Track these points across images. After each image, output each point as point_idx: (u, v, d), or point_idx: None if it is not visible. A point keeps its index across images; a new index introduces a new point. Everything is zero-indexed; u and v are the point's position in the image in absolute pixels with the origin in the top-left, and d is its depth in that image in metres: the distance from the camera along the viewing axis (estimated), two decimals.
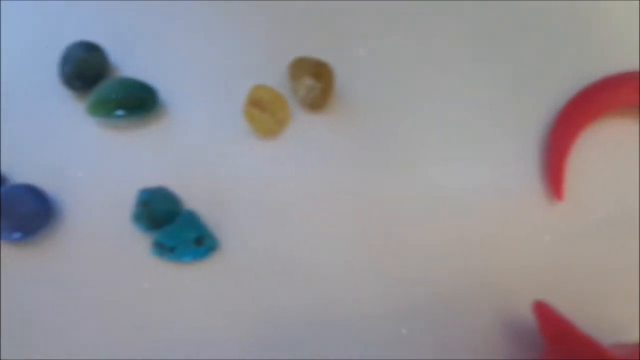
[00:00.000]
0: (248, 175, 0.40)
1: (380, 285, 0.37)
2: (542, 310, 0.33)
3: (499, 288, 0.37)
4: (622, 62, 0.42)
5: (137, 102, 0.40)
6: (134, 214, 0.37)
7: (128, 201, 0.39)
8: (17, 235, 0.37)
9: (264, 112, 0.39)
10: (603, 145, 0.40)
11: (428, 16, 0.44)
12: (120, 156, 0.40)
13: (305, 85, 0.39)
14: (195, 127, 0.41)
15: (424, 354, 0.36)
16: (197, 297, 0.37)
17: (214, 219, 0.39)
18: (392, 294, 0.37)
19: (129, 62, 0.43)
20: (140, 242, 0.38)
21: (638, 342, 0.35)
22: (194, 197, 0.39)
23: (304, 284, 0.37)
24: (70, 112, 0.41)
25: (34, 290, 0.37)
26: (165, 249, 0.37)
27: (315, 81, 0.39)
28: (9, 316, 0.37)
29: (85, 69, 0.40)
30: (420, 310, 0.37)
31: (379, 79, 0.42)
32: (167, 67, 0.42)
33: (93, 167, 0.40)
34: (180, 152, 0.40)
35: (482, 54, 0.43)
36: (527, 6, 0.44)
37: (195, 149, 0.41)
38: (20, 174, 0.40)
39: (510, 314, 0.36)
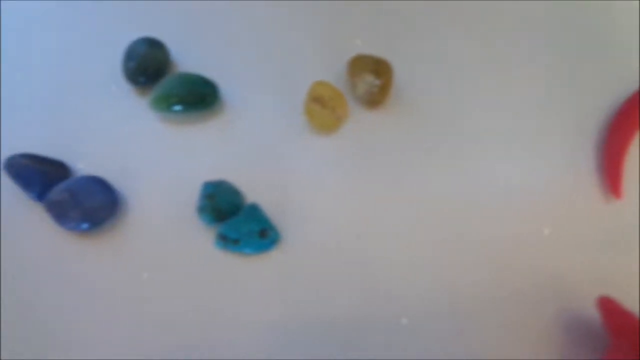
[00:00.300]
0: (307, 170, 0.41)
1: (439, 280, 0.38)
2: (607, 306, 0.33)
3: (560, 285, 0.37)
4: None
5: (200, 97, 0.41)
6: (198, 207, 0.38)
7: (190, 194, 0.40)
8: (85, 226, 0.38)
9: (324, 109, 0.40)
10: None
11: (487, 15, 0.44)
12: (182, 150, 0.41)
13: (365, 82, 0.40)
14: (255, 122, 0.42)
15: (486, 350, 0.36)
16: (259, 288, 0.38)
17: (274, 212, 0.39)
18: (451, 288, 0.38)
19: (189, 58, 0.43)
20: (202, 234, 0.39)
21: None
22: (254, 190, 0.40)
23: (363, 276, 0.38)
24: (133, 106, 0.42)
25: (100, 280, 0.38)
26: (230, 241, 0.38)
27: (375, 78, 0.40)
28: (76, 305, 0.37)
29: (148, 65, 0.41)
30: (481, 306, 0.37)
31: (436, 76, 0.43)
32: (227, 62, 0.43)
33: (156, 160, 0.41)
34: (241, 147, 0.41)
35: (540, 53, 0.43)
36: (585, 6, 0.45)
37: (255, 144, 0.41)
38: (85, 166, 0.41)
39: (572, 312, 0.37)
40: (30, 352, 0.36)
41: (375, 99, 0.41)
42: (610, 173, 0.39)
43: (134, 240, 0.39)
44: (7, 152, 0.40)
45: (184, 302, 0.38)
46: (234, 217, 0.38)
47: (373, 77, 0.40)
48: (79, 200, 0.38)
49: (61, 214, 0.38)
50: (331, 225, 0.39)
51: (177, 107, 0.41)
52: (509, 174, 0.40)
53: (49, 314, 0.37)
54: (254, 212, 0.38)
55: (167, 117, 0.42)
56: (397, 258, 0.38)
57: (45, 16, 0.45)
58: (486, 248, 0.38)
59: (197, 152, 0.41)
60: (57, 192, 0.38)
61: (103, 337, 0.37)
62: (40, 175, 0.39)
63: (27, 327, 0.37)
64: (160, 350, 0.36)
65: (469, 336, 0.36)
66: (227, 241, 0.38)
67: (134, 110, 0.42)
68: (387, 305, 0.37)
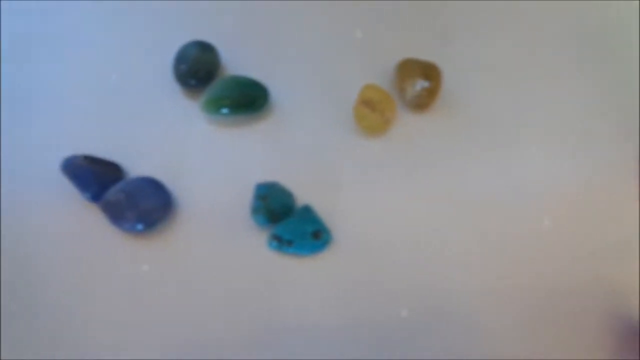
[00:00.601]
0: (356, 172, 0.41)
1: (488, 278, 0.38)
2: None
3: (606, 287, 0.38)
4: None
5: (250, 100, 0.42)
6: (252, 208, 0.39)
7: (241, 195, 0.40)
8: (139, 226, 0.38)
9: (374, 112, 0.41)
10: None
11: (533, 19, 0.45)
12: (232, 152, 0.42)
13: (415, 86, 0.41)
14: (303, 124, 0.42)
15: (533, 347, 0.37)
16: (311, 288, 0.38)
17: (324, 213, 0.40)
18: (499, 286, 0.38)
19: (238, 61, 0.44)
20: (254, 235, 0.39)
21: None
22: (304, 192, 0.41)
23: (413, 274, 0.38)
24: (184, 109, 0.43)
25: (154, 281, 0.39)
26: (284, 242, 0.38)
27: (426, 81, 0.40)
28: (129, 305, 0.38)
29: (200, 68, 0.42)
30: (529, 302, 0.38)
31: (483, 81, 0.43)
32: (274, 65, 0.44)
33: (206, 162, 0.41)
34: (290, 149, 0.42)
35: (585, 56, 0.44)
36: (632, 10, 0.45)
37: (304, 146, 0.42)
38: (138, 168, 0.41)
39: (620, 314, 0.37)
40: (87, 351, 0.37)
41: (423, 102, 0.41)
42: None
43: (186, 241, 0.40)
44: (61, 154, 0.40)
45: (237, 302, 0.38)
46: (287, 218, 0.39)
47: (423, 81, 0.40)
48: (135, 201, 0.38)
49: (117, 214, 0.38)
50: (380, 225, 0.40)
51: (228, 110, 0.41)
52: (554, 176, 0.41)
53: (104, 314, 0.38)
54: (308, 214, 0.39)
55: (218, 119, 0.42)
56: (448, 256, 0.39)
57: (100, 20, 0.46)
58: (534, 247, 0.39)
59: (247, 154, 0.42)
60: (113, 193, 0.39)
61: (156, 337, 0.37)
62: (96, 176, 0.39)
63: (83, 326, 0.37)
64: (212, 349, 0.37)
65: (517, 334, 0.37)
66: (281, 242, 0.38)
67: (185, 112, 0.43)
68: (439, 299, 0.38)
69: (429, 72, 0.41)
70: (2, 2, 0.45)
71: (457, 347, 0.37)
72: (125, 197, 0.38)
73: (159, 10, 0.46)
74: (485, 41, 0.45)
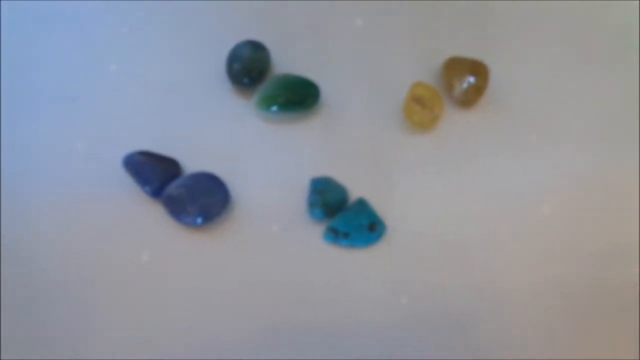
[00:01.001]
0: (405, 167, 0.42)
1: (542, 269, 0.39)
2: None
3: None
4: None
5: (302, 97, 0.43)
6: (310, 202, 0.40)
7: (293, 190, 0.41)
8: (199, 220, 0.40)
9: (424, 108, 0.42)
10: None
11: (577, 18, 0.46)
12: (284, 148, 0.43)
13: (463, 83, 0.42)
14: (352, 121, 0.44)
15: (576, 343, 0.38)
16: (367, 279, 0.39)
17: (375, 206, 0.41)
18: (553, 279, 0.39)
19: (287, 60, 0.45)
20: (309, 229, 0.41)
21: None
22: (354, 186, 0.42)
23: (465, 265, 0.40)
24: (237, 107, 0.44)
25: (214, 273, 0.40)
26: (340, 235, 0.39)
27: (475, 79, 0.42)
28: (187, 296, 0.39)
29: (253, 67, 0.43)
30: (580, 299, 0.39)
31: (528, 78, 0.44)
32: (323, 64, 0.45)
33: (259, 158, 0.43)
34: (340, 144, 0.43)
35: (631, 58, 0.45)
36: None
37: (354, 141, 0.43)
38: (193, 164, 0.42)
39: None
40: (150, 343, 0.38)
41: (470, 99, 0.43)
42: None
43: (242, 234, 0.41)
44: (121, 151, 0.41)
45: (294, 294, 0.39)
46: (343, 212, 0.40)
47: (471, 77, 0.42)
48: (195, 196, 0.40)
49: (179, 208, 0.39)
50: (428, 217, 0.41)
51: (281, 108, 0.42)
52: (600, 173, 0.42)
53: (165, 306, 0.39)
54: (363, 207, 0.40)
55: (269, 117, 0.43)
56: (500, 247, 0.40)
57: (158, 22, 0.47)
58: (584, 243, 0.40)
59: (298, 150, 0.43)
60: (175, 187, 0.40)
61: (216, 329, 0.38)
62: (157, 172, 0.40)
63: (147, 319, 0.38)
64: (270, 341, 0.38)
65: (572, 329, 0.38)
66: (338, 235, 0.39)
67: (237, 110, 0.44)
68: (492, 292, 0.39)
69: (477, 69, 0.42)
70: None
71: (513, 340, 0.38)
72: (186, 192, 0.39)
73: (213, 10, 0.47)
74: (530, 39, 0.46)
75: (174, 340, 0.38)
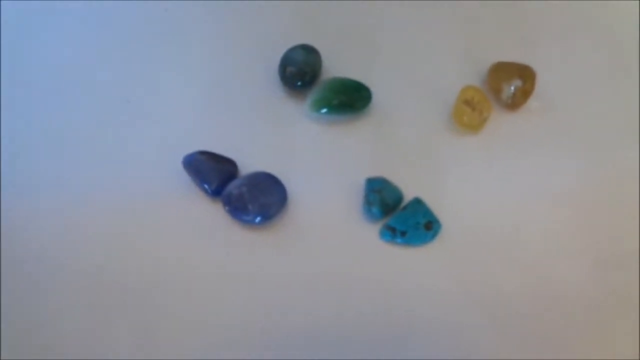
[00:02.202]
0: (456, 166, 0.44)
1: (592, 268, 0.41)
2: None
3: None
4: None
5: (355, 100, 0.44)
6: (367, 200, 0.41)
7: (348, 190, 0.42)
8: (258, 219, 0.40)
9: (474, 111, 0.43)
10: None
11: (622, 21, 0.48)
12: (337, 149, 0.44)
13: (511, 86, 0.43)
14: (403, 122, 0.45)
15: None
16: (424, 276, 0.40)
17: (429, 205, 0.42)
18: (603, 277, 0.41)
19: (338, 63, 0.46)
20: (364, 227, 0.42)
21: None
22: (407, 185, 0.43)
23: (518, 261, 0.41)
24: (290, 109, 0.45)
25: (273, 271, 0.40)
26: (397, 233, 0.40)
27: (522, 82, 0.43)
28: (246, 295, 0.40)
29: (306, 71, 0.44)
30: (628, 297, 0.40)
31: (572, 82, 0.46)
32: (373, 67, 0.46)
33: (313, 159, 0.44)
34: (392, 145, 0.44)
35: None
36: None
37: (405, 142, 0.44)
38: (249, 164, 0.43)
39: None
40: (207, 340, 0.38)
41: (517, 102, 0.44)
42: None
43: (300, 233, 0.42)
44: (179, 152, 0.42)
45: (351, 292, 0.40)
46: (399, 211, 0.41)
47: (520, 81, 0.43)
48: (256, 195, 0.40)
49: (240, 207, 0.40)
50: (478, 217, 0.42)
51: (333, 110, 0.44)
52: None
53: (225, 304, 0.39)
54: (419, 206, 0.41)
55: (321, 119, 0.44)
56: (552, 245, 0.41)
57: (213, 25, 0.48)
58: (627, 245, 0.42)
59: (351, 151, 0.44)
60: (235, 186, 0.40)
61: (273, 328, 0.39)
62: (217, 172, 0.41)
63: (203, 317, 0.39)
64: (327, 338, 0.39)
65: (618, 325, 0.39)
66: (395, 233, 0.40)
67: (291, 112, 0.45)
68: (547, 289, 0.40)
69: (524, 73, 0.44)
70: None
71: (570, 339, 0.39)
72: (247, 191, 0.40)
73: (264, 17, 0.48)
74: (575, 43, 0.47)
75: (230, 340, 0.39)
